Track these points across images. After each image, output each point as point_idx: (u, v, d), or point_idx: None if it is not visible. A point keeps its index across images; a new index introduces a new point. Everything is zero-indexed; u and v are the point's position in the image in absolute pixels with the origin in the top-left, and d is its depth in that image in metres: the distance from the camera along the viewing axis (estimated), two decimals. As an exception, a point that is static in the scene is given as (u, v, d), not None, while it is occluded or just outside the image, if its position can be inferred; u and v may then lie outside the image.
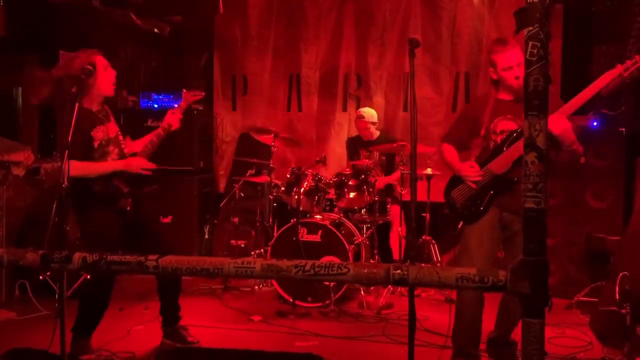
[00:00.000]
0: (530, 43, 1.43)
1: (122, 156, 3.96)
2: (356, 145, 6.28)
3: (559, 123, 3.18)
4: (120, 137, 4.03)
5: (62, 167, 2.95)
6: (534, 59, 1.43)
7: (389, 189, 6.02)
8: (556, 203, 5.35)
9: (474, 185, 3.55)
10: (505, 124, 3.52)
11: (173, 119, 4.01)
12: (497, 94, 3.60)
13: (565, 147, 3.31)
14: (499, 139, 3.53)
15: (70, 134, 3.02)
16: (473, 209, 3.56)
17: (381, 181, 5.85)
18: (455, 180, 3.70)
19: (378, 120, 6.30)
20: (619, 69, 3.24)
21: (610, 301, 3.59)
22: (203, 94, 4.36)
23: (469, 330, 3.56)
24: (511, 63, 3.43)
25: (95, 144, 3.82)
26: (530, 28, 1.43)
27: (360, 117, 6.20)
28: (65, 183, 3.00)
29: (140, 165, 3.88)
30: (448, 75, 6.68)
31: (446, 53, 6.66)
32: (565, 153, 3.35)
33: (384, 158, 6.17)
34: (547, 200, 1.47)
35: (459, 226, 3.80)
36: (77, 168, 3.58)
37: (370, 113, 6.22)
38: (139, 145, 4.11)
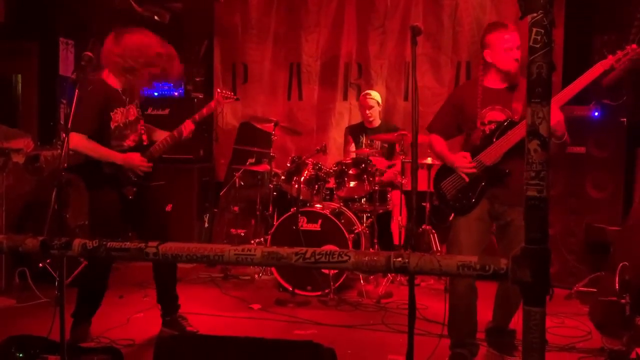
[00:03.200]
0: (534, 30, 1.41)
1: (138, 142, 3.98)
2: (358, 133, 6.27)
3: (553, 114, 3.15)
4: (141, 122, 4.03)
5: (63, 149, 2.96)
6: (538, 45, 1.42)
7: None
8: (556, 193, 5.34)
9: (467, 178, 3.51)
10: (494, 114, 3.48)
11: (186, 130, 4.04)
12: (484, 80, 3.54)
13: (556, 139, 3.29)
14: (487, 129, 3.49)
15: (71, 118, 3.02)
16: (464, 200, 3.53)
17: (386, 175, 5.83)
18: (445, 171, 3.65)
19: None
20: (610, 60, 3.22)
21: (610, 291, 3.59)
22: (235, 96, 4.42)
23: (464, 320, 3.56)
24: (512, 44, 3.40)
25: (112, 125, 3.84)
26: (535, 14, 1.41)
27: (366, 94, 6.23)
28: (65, 166, 3.01)
29: (139, 165, 3.89)
30: (449, 64, 6.65)
31: (447, 42, 6.63)
32: (554, 144, 3.29)
33: (385, 146, 6.16)
34: (549, 189, 1.45)
35: (450, 218, 3.75)
36: (82, 144, 3.70)
37: (376, 93, 6.27)
38: (161, 135, 4.13)
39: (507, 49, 3.42)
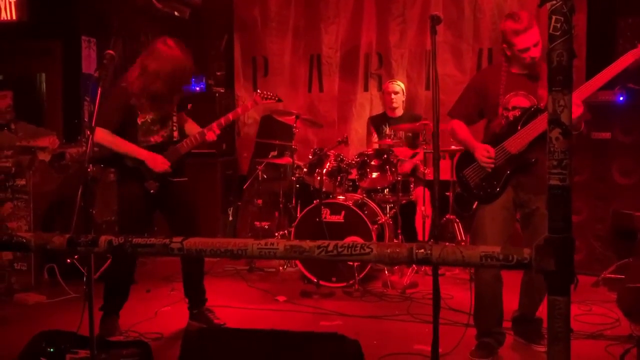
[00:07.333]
0: (554, 17, 1.40)
1: (167, 139, 4.01)
2: (381, 123, 6.25)
3: (574, 108, 3.08)
4: (174, 118, 4.05)
5: (89, 145, 3.00)
6: (558, 33, 1.40)
7: (412, 168, 5.99)
8: (582, 179, 5.29)
9: (488, 169, 3.45)
10: (518, 100, 3.43)
11: (210, 134, 4.06)
12: (510, 67, 3.49)
13: (573, 129, 3.21)
14: (511, 115, 3.44)
15: (94, 117, 3.05)
16: (489, 189, 3.46)
17: (406, 166, 5.81)
18: (467, 157, 3.57)
19: (400, 98, 6.27)
20: None
21: (638, 278, 3.56)
22: (278, 98, 4.45)
23: (490, 310, 3.54)
24: (528, 44, 3.33)
25: (139, 120, 3.89)
26: (554, 2, 1.40)
27: (392, 80, 6.25)
28: (88, 164, 3.04)
29: (161, 166, 3.91)
30: (470, 51, 6.58)
31: (468, 29, 6.56)
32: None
33: (409, 135, 6.14)
34: (572, 177, 1.44)
35: (474, 206, 3.68)
36: (104, 138, 3.77)
37: (398, 82, 6.27)
38: (193, 128, 4.18)
39: (522, 50, 3.35)
